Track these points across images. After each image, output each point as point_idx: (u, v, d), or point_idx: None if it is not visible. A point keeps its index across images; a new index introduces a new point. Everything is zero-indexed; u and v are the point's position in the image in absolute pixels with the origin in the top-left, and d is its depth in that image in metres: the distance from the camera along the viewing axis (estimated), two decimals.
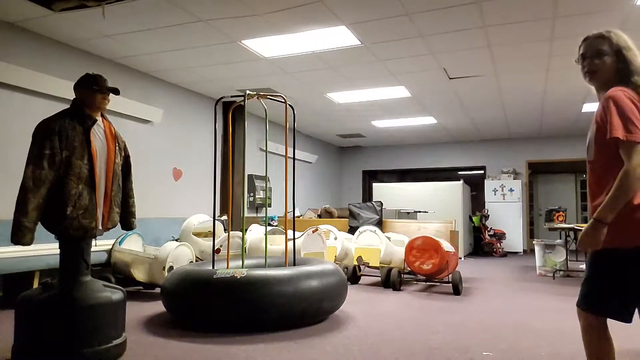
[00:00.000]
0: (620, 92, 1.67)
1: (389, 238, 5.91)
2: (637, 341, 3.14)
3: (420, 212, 9.17)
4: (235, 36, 4.91)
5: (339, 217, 8.39)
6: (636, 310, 1.69)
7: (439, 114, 8.47)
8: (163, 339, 3.12)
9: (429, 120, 8.95)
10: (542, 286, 5.64)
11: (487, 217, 10.25)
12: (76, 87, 2.76)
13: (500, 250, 9.80)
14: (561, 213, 6.75)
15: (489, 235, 10.05)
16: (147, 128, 6.28)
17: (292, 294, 3.32)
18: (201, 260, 5.20)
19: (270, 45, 5.16)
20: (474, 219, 10.29)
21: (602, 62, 1.79)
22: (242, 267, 3.81)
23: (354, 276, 5.70)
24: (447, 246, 5.26)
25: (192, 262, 4.77)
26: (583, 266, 6.86)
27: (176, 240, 5.42)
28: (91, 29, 4.75)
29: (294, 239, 4.05)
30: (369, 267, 5.71)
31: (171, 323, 3.56)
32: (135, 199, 3.09)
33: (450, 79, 6.33)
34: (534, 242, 6.94)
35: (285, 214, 4.03)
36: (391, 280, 5.26)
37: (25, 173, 2.52)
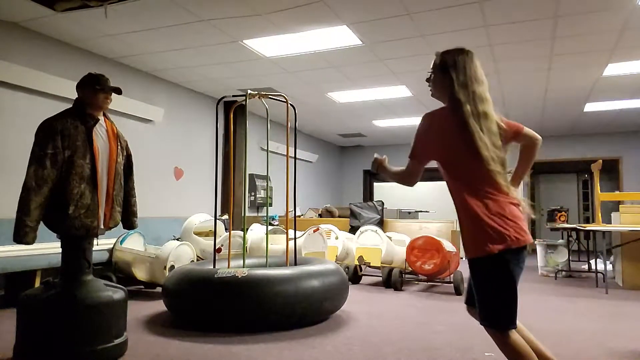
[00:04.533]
0: (425, 116, 1.85)
1: (390, 238, 5.90)
2: (638, 341, 3.14)
3: (421, 211, 9.17)
4: (237, 36, 4.91)
5: (340, 216, 8.39)
6: None
7: None
8: (164, 339, 3.13)
9: None
10: (544, 286, 5.64)
11: None
12: (78, 87, 2.77)
13: None
14: (563, 213, 6.74)
15: None
16: (148, 127, 6.29)
17: (293, 294, 3.32)
18: (202, 259, 5.20)
19: (271, 45, 5.16)
20: None
21: (432, 80, 1.95)
22: (243, 267, 3.82)
23: (355, 276, 5.70)
24: (448, 246, 5.25)
25: (193, 261, 4.78)
26: (585, 266, 6.85)
27: (177, 239, 5.42)
28: (93, 28, 4.76)
29: (295, 238, 4.05)
30: (370, 267, 5.71)
31: (172, 322, 3.56)
32: (137, 198, 3.09)
33: None
34: (535, 242, 6.91)
35: (286, 214, 4.03)
36: (392, 280, 5.26)
37: (27, 172, 2.52)
